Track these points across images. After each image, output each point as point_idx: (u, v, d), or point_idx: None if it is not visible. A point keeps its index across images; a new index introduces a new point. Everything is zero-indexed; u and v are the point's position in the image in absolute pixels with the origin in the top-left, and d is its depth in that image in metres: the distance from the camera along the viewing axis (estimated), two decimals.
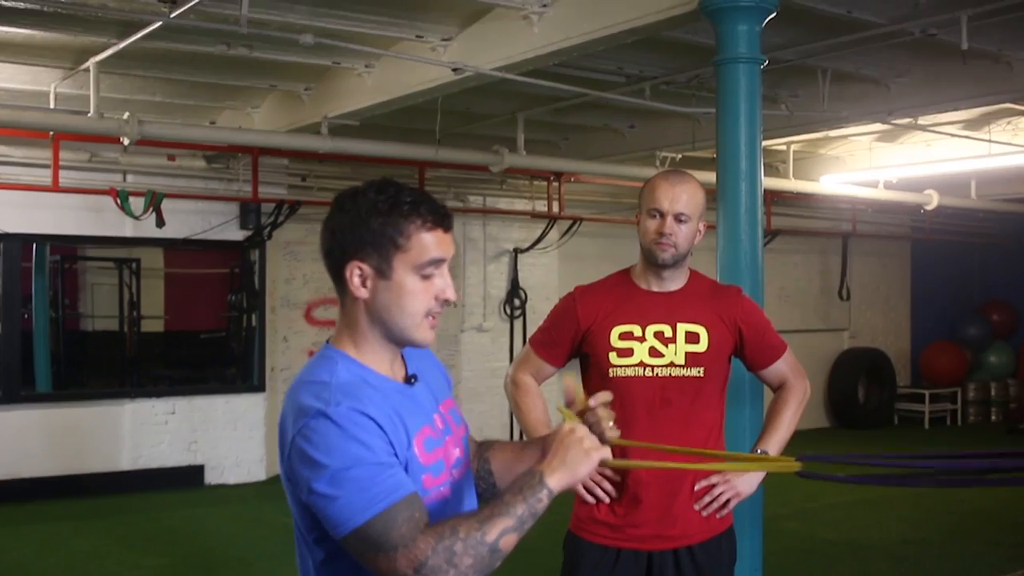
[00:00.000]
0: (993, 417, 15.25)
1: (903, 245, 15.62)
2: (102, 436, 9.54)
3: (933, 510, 8.89)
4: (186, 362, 11.43)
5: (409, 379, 2.12)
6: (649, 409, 3.02)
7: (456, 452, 2.16)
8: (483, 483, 2.31)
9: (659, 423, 3.00)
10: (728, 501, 3.10)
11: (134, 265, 10.98)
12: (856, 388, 14.48)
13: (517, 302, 11.69)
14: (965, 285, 15.93)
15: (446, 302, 2.06)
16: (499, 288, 11.72)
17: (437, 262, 2.03)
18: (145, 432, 9.67)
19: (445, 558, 1.85)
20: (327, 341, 2.12)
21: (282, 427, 1.97)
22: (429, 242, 2.00)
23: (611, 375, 3.05)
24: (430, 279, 2.03)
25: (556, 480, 1.95)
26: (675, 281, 3.12)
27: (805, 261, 14.28)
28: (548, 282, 11.99)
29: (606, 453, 2.04)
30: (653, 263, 3.07)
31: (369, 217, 2.00)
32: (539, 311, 11.93)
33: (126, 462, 9.59)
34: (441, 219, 2.02)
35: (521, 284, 11.73)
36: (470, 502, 2.19)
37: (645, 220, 3.07)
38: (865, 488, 9.76)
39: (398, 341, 2.07)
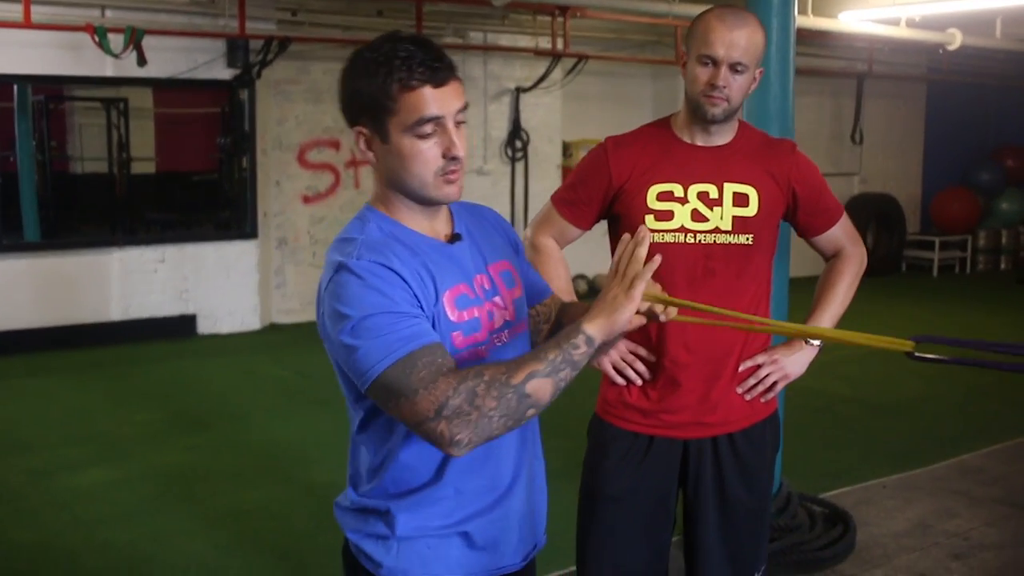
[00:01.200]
0: (1003, 265, 15.00)
1: (918, 87, 15.09)
2: (91, 286, 9.22)
3: (950, 367, 8.65)
4: (178, 205, 11.08)
5: (452, 238, 2.01)
6: (690, 281, 2.65)
7: (502, 315, 2.03)
8: None
9: (701, 296, 2.62)
10: (775, 384, 2.77)
11: (121, 105, 10.52)
12: (866, 234, 14.16)
13: (519, 144, 11.25)
14: (979, 129, 15.48)
15: (454, 159, 1.89)
16: (500, 129, 11.26)
17: (431, 120, 1.86)
18: (135, 281, 9.36)
19: (467, 399, 1.75)
20: (368, 201, 2.03)
21: (319, 287, 1.92)
22: (418, 101, 1.86)
23: None
24: (430, 138, 1.87)
25: (595, 326, 1.83)
26: (723, 135, 2.71)
27: (817, 103, 13.79)
28: (551, 123, 11.52)
29: (633, 307, 1.85)
30: (701, 117, 2.65)
31: (361, 79, 1.90)
32: (541, 153, 11.58)
33: (116, 312, 9.30)
34: (431, 74, 1.86)
35: (523, 125, 11.25)
36: None
37: (694, 66, 2.63)
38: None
39: (420, 200, 1.94)
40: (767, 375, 2.74)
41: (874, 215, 14.21)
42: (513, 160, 11.25)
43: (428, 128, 1.86)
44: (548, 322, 2.24)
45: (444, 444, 1.76)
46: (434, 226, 1.99)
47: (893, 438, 6.50)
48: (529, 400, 1.79)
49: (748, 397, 2.75)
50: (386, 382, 1.77)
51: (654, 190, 2.67)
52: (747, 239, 2.66)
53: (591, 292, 11.64)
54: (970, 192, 14.70)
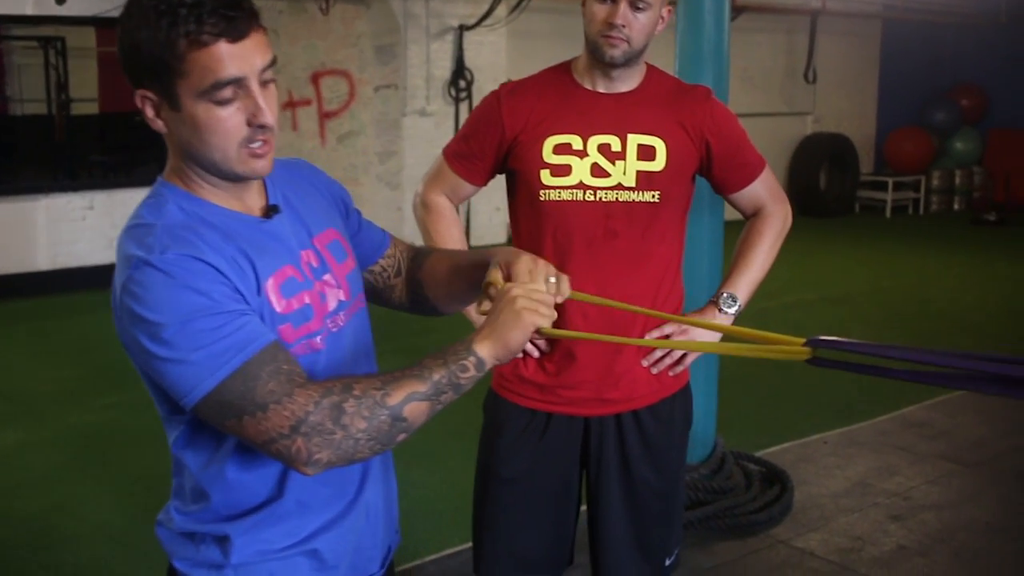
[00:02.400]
0: (956, 206, 14.88)
1: (874, 24, 14.83)
2: (16, 234, 8.86)
3: (896, 313, 8.50)
4: (121, 147, 10.72)
5: (268, 211, 1.68)
6: (589, 243, 2.39)
7: (336, 295, 1.73)
8: (420, 302, 1.98)
9: (601, 260, 2.38)
10: (684, 356, 2.53)
11: (59, 45, 10.15)
12: (818, 175, 13.99)
13: (462, 84, 10.91)
14: (935, 68, 15.26)
15: (262, 127, 1.56)
16: (443, 69, 10.90)
17: (231, 83, 1.52)
18: (62, 229, 9.01)
19: (331, 416, 1.49)
20: (161, 175, 1.67)
21: (113, 284, 1.56)
22: (211, 60, 1.51)
23: (542, 198, 2.40)
24: (230, 103, 1.53)
25: (486, 348, 1.59)
26: (628, 80, 2.43)
27: (770, 41, 13.52)
28: (496, 62, 11.19)
29: (546, 318, 1.61)
30: (600, 60, 2.37)
31: (139, 31, 1.52)
32: (486, 93, 11.14)
33: (43, 262, 8.96)
34: (227, 25, 1.50)
35: (467, 64, 10.91)
36: (359, 356, 1.78)
37: (591, 3, 2.36)
38: (823, 285, 9.35)
39: (223, 177, 1.62)
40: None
41: (827, 155, 14.03)
42: (457, 101, 10.92)
43: (227, 93, 1.52)
44: (401, 274, 1.97)
45: (298, 463, 1.50)
46: (245, 200, 1.66)
47: (836, 390, 6.31)
48: (403, 424, 1.53)
49: (655, 370, 2.51)
50: (222, 399, 1.48)
51: (550, 142, 2.40)
52: (653, 196, 2.40)
53: None
54: (924, 132, 14.53)
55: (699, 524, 4.28)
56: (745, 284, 2.55)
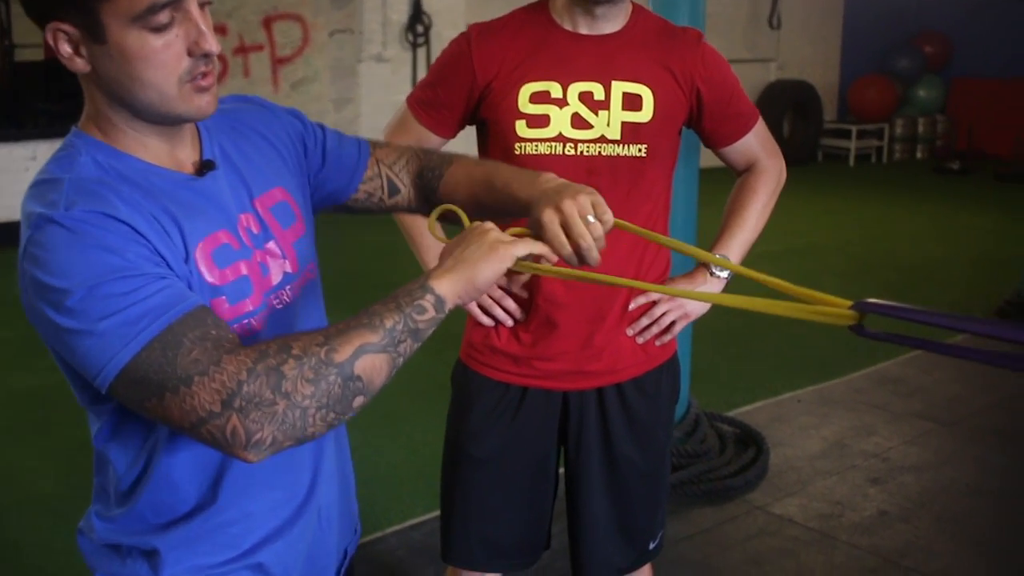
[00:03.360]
0: (919, 155, 14.75)
1: None
2: None
3: (864, 265, 8.35)
4: (67, 95, 10.30)
5: (202, 168, 1.44)
6: None
7: (281, 267, 1.49)
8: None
9: None
10: (673, 324, 2.32)
11: None
12: (782, 122, 13.79)
13: (420, 28, 10.55)
14: (900, 14, 15.05)
15: (207, 56, 1.33)
16: (400, 12, 10.54)
17: (168, 5, 1.28)
18: (3, 181, 8.64)
19: (270, 383, 1.23)
20: (76, 124, 1.41)
21: (20, 251, 1.32)
22: None
23: (517, 152, 2.16)
24: (167, 29, 1.29)
25: (447, 283, 1.35)
26: (612, 20, 2.18)
27: None
28: (454, 6, 10.82)
29: (524, 248, 1.39)
30: None
31: None
32: (445, 39, 10.83)
33: None
34: None
35: (424, 8, 10.54)
36: None
37: None
38: (790, 236, 9.19)
39: (159, 119, 1.37)
40: (663, 313, 2.29)
41: (791, 103, 13.83)
42: (414, 46, 10.58)
43: (163, 16, 1.29)
44: (398, 192, 1.71)
45: (237, 447, 1.24)
46: (175, 153, 1.42)
47: (809, 345, 6.14)
48: (358, 384, 1.28)
49: (641, 340, 2.29)
50: (138, 375, 1.24)
51: (527, 90, 2.16)
52: (639, 150, 2.17)
53: None
54: (888, 79, 14.35)
55: (673, 490, 4.09)
56: (738, 245, 2.33)
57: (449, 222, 1.58)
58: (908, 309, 1.28)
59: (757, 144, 2.34)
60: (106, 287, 1.23)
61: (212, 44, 1.32)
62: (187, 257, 1.34)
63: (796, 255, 8.52)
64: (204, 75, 1.34)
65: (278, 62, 10.69)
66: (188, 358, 1.23)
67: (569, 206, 1.42)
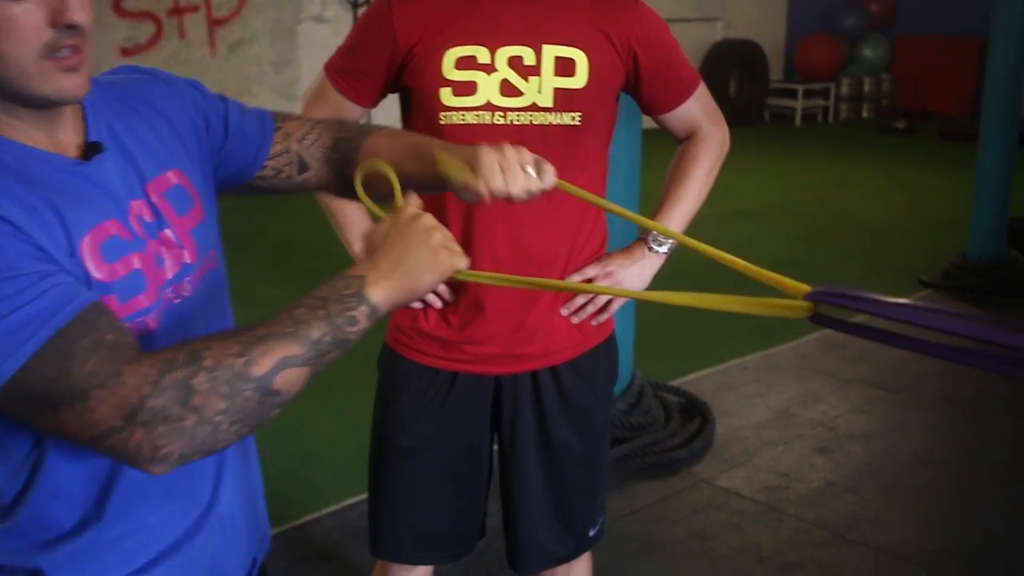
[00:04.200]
0: (865, 114, 14.74)
1: None
2: None
3: (811, 226, 8.29)
4: None
5: (87, 151, 1.28)
6: None
7: (179, 257, 1.34)
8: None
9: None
10: (610, 302, 2.20)
11: None
12: (728, 82, 13.70)
13: None
14: None
15: (72, 27, 1.17)
16: None
17: None
18: None
19: (178, 397, 1.11)
20: None
21: None
22: None
23: (442, 121, 2.02)
24: None
25: (383, 292, 1.24)
26: None
27: None
28: None
29: (463, 261, 1.30)
30: None
31: None
32: None
33: None
34: None
35: None
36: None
37: None
38: (737, 197, 9.11)
39: (20, 100, 1.20)
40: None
41: (737, 63, 13.75)
42: (355, 6, 10.33)
43: None
44: (308, 169, 1.55)
45: (141, 461, 1.12)
46: (55, 135, 1.26)
47: None
48: (277, 398, 1.17)
49: (576, 320, 2.17)
50: (26, 388, 1.10)
51: (452, 55, 2.01)
52: (573, 119, 2.03)
53: None
54: (833, 38, 14.29)
55: (617, 463, 4.00)
56: (678, 217, 2.21)
57: (381, 202, 1.42)
58: (869, 300, 1.16)
59: (698, 110, 2.21)
60: None
61: (77, 15, 1.17)
62: (72, 251, 1.19)
63: (744, 217, 8.44)
64: (70, 50, 1.18)
65: (214, 23, 10.38)
66: (83, 370, 1.10)
67: (511, 151, 1.36)
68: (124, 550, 1.31)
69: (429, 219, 1.28)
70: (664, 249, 2.20)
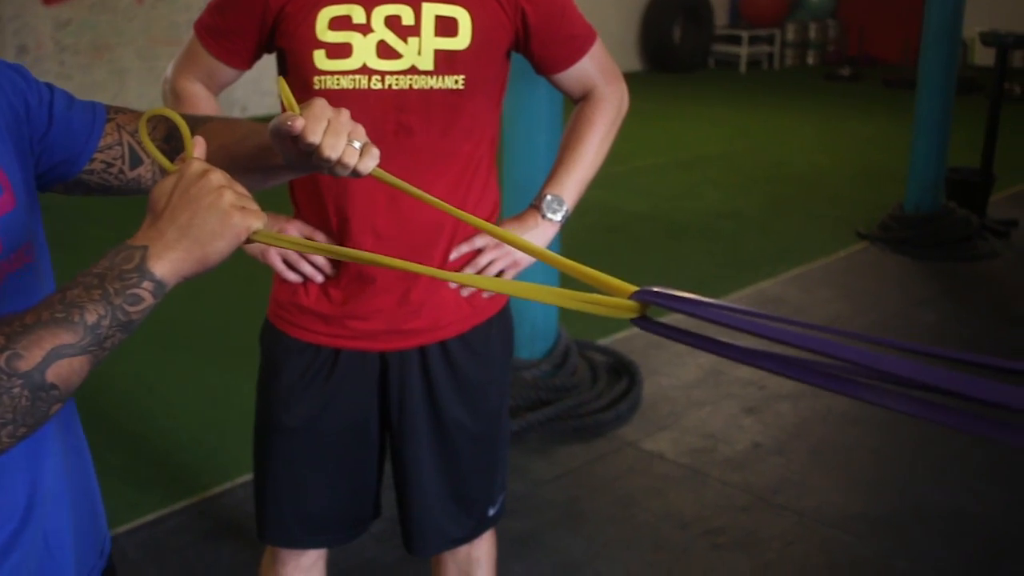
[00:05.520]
0: (810, 60, 14.68)
1: None
2: None
3: (750, 176, 8.21)
4: None
5: None
6: (377, 142, 1.85)
7: None
8: None
9: (393, 164, 1.82)
10: (501, 274, 2.08)
11: None
12: (672, 29, 13.56)
13: None
14: None
15: None
16: None
17: None
18: None
19: None
20: None
21: None
22: None
23: (317, 86, 1.87)
24: None
25: (169, 264, 1.08)
26: None
27: None
28: None
29: (260, 221, 1.13)
30: None
31: None
32: None
33: None
34: None
35: None
36: None
37: None
38: (675, 147, 9.00)
39: None
40: (490, 263, 2.04)
41: (681, 8, 13.60)
42: None
43: None
44: (141, 163, 1.40)
45: None
46: None
47: (690, 262, 5.99)
48: (52, 393, 1.02)
49: (465, 293, 2.05)
50: None
51: (325, 15, 1.86)
52: (456, 82, 1.89)
53: None
54: None
55: (540, 427, 3.90)
56: (573, 184, 2.09)
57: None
58: (692, 302, 1.05)
59: (594, 69, 2.08)
60: None
61: None
62: None
63: (681, 167, 8.35)
64: None
65: None
66: None
67: (346, 117, 1.21)
68: None
69: (219, 175, 1.13)
70: (558, 217, 2.07)
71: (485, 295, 2.07)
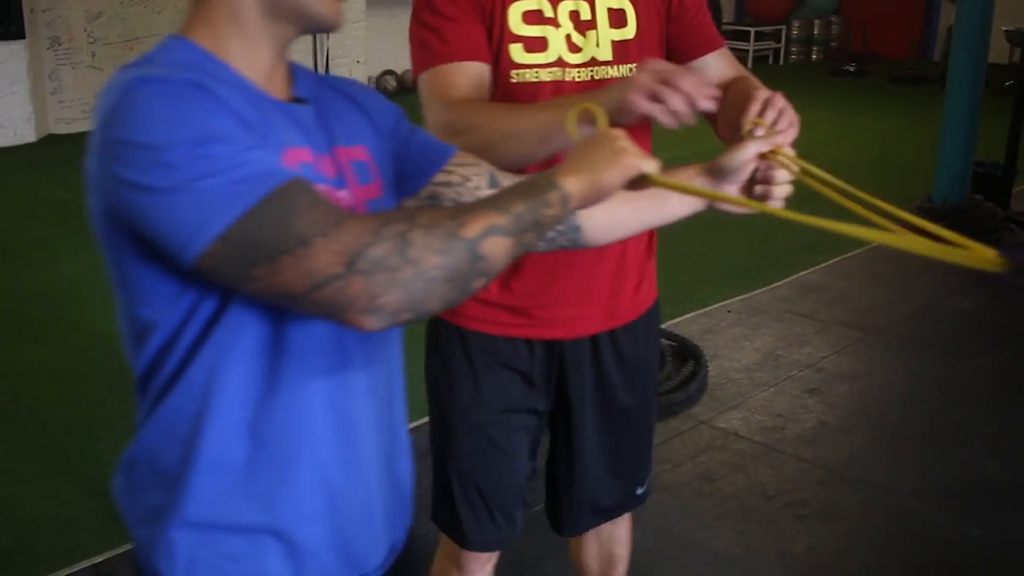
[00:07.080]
0: (815, 56, 14.89)
1: None
2: None
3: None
4: None
5: (293, 100, 1.39)
6: None
7: None
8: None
9: None
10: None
11: None
12: None
13: None
14: None
15: None
16: None
17: None
18: None
19: (396, 248, 1.15)
20: (174, 34, 1.34)
21: (89, 149, 1.24)
22: None
23: (514, 80, 1.98)
24: None
25: (573, 182, 1.31)
26: None
27: None
28: None
29: (651, 164, 1.37)
30: None
31: None
32: None
33: None
34: None
35: None
36: None
37: None
38: (695, 142, 9.20)
39: (300, 23, 1.35)
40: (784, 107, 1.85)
41: None
42: None
43: None
44: (477, 187, 1.56)
45: (354, 311, 1.15)
46: (272, 80, 1.36)
47: (729, 253, 6.19)
48: (482, 262, 1.20)
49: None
50: (246, 238, 1.14)
51: (518, 8, 1.98)
52: (630, 70, 2.01)
53: (402, 90, 10.88)
54: None
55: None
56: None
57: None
58: None
59: (727, 63, 2.22)
60: (208, 147, 1.15)
61: None
62: (277, 152, 1.27)
63: (704, 160, 8.52)
64: None
65: None
66: (305, 219, 1.15)
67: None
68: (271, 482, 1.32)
69: (621, 135, 1.37)
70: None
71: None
